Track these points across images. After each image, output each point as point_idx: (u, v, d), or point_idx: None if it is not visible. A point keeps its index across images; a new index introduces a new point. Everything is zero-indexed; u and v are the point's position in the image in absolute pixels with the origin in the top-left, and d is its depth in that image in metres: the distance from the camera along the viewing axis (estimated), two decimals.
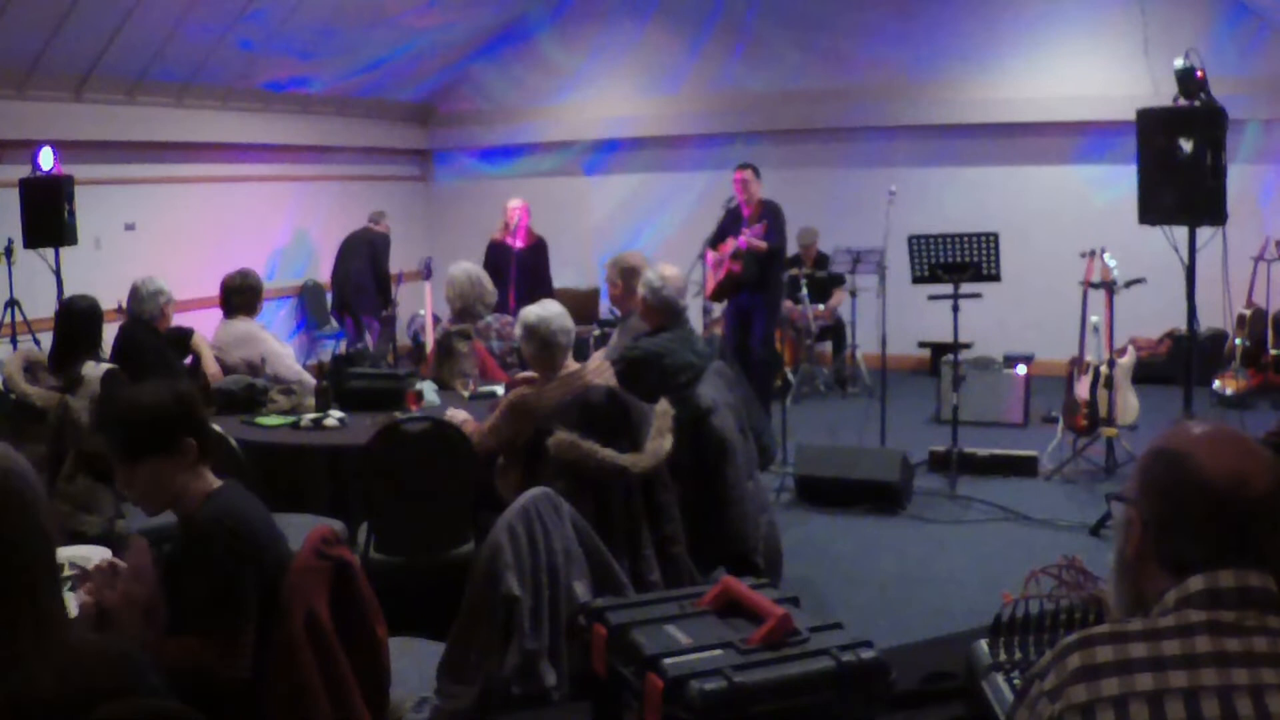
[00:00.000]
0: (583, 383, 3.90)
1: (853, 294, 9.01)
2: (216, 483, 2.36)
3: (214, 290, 5.64)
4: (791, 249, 9.29)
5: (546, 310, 4.00)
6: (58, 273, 6.93)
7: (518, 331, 4.08)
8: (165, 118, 8.55)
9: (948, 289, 6.34)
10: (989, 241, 6.34)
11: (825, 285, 9.48)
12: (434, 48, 10.53)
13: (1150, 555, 1.37)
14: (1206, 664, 1.25)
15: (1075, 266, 6.75)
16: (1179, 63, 5.04)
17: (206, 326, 5.70)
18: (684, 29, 10.75)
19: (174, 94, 8.58)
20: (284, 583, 2.22)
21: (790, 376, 8.86)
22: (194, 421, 2.32)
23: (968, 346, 8.33)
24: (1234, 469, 1.32)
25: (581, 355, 5.28)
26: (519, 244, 7.98)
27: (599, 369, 4.09)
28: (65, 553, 2.60)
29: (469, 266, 5.47)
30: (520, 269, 7.86)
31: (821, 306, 9.43)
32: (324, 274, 10.57)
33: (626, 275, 5.11)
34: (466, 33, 10.73)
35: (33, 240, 6.82)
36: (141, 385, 2.41)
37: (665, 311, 4.56)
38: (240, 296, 5.48)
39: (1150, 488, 1.38)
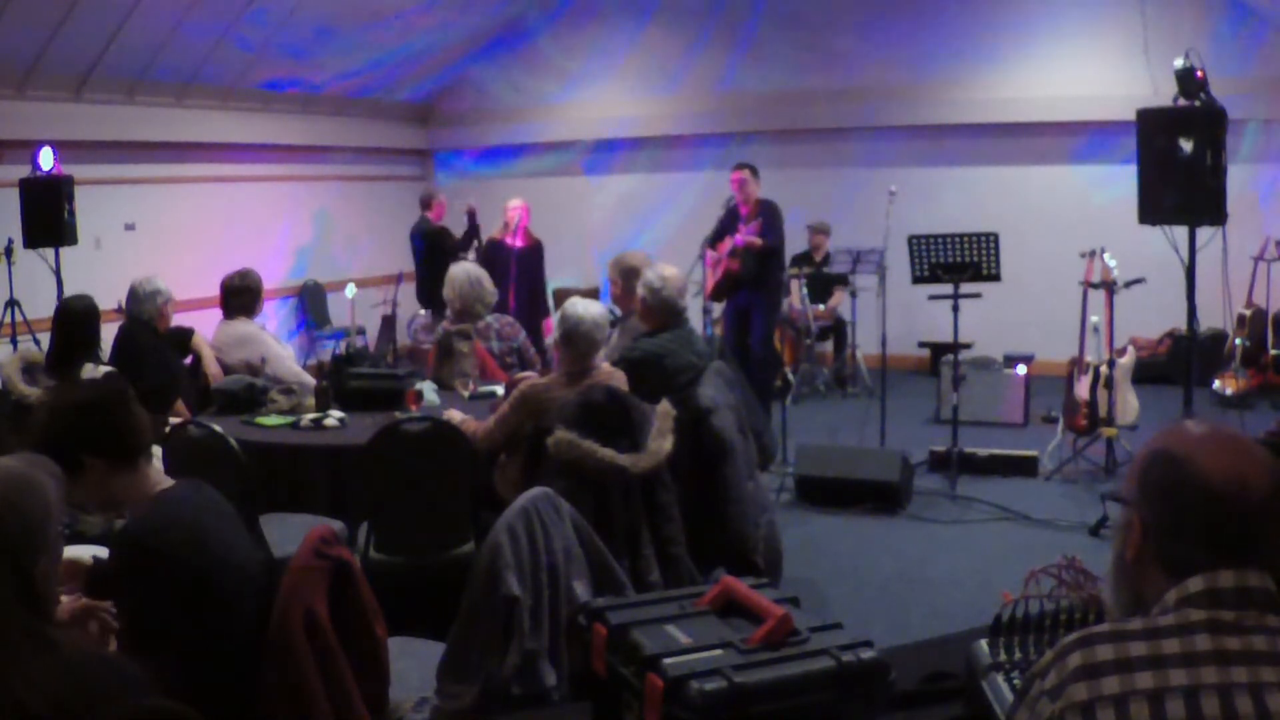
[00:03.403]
0: (591, 383, 3.90)
1: (853, 294, 9.02)
2: (163, 484, 2.24)
3: (214, 290, 5.63)
4: (800, 244, 9.31)
5: (589, 309, 4.01)
6: (58, 273, 6.93)
7: (555, 320, 4.08)
8: (165, 118, 8.55)
9: (948, 289, 6.34)
10: (989, 241, 6.33)
11: (825, 285, 9.49)
12: (434, 48, 10.53)
13: (1150, 558, 1.37)
14: (1206, 662, 1.25)
15: (1075, 266, 6.74)
16: (1179, 63, 5.04)
17: (207, 327, 5.70)
18: (684, 29, 10.75)
19: (174, 94, 8.58)
20: (231, 587, 2.14)
21: (790, 376, 8.86)
22: (91, 436, 2.17)
23: (968, 346, 8.33)
24: (1234, 471, 1.32)
25: None
26: (519, 244, 7.99)
27: (610, 373, 4.09)
28: (65, 552, 2.60)
29: (469, 266, 5.47)
30: (520, 269, 7.87)
31: (821, 306, 9.44)
32: (323, 274, 10.57)
33: (627, 275, 5.10)
34: (466, 33, 10.73)
35: (33, 240, 6.83)
36: (45, 402, 2.29)
37: (665, 312, 4.55)
38: (239, 298, 5.47)
39: (1150, 491, 1.38)
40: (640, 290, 4.61)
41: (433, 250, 8.40)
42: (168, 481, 2.27)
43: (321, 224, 10.59)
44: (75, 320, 4.79)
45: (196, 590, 2.09)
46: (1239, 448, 1.35)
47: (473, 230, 8.63)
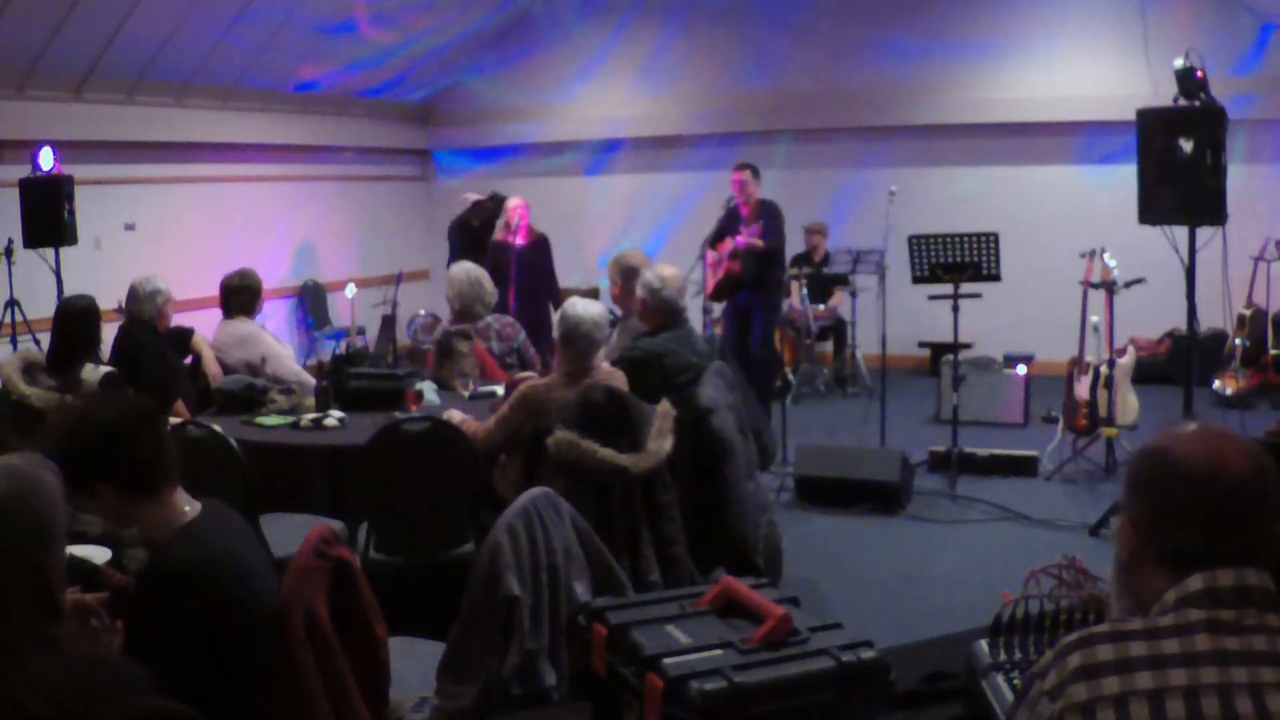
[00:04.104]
0: (591, 383, 3.90)
1: (853, 294, 9.02)
2: (189, 509, 2.17)
3: (214, 290, 5.63)
4: (800, 244, 9.31)
5: (588, 310, 4.01)
6: (58, 273, 6.93)
7: (555, 320, 4.07)
8: (165, 118, 8.54)
9: (948, 289, 6.33)
10: (989, 241, 6.33)
11: (825, 285, 9.48)
12: (434, 48, 10.53)
13: (1144, 555, 1.38)
14: (1206, 662, 1.25)
15: (1075, 266, 6.74)
16: (1179, 63, 5.05)
17: (206, 326, 5.70)
18: (684, 29, 10.75)
19: (174, 94, 8.57)
20: (255, 610, 2.12)
21: (790, 376, 8.86)
22: (108, 465, 2.08)
23: (968, 346, 8.33)
24: (1210, 454, 1.34)
25: None
26: (520, 242, 7.97)
27: (610, 373, 4.09)
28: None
29: (469, 266, 5.47)
30: (521, 268, 7.85)
31: (821, 306, 9.44)
32: (323, 274, 10.57)
33: (626, 275, 5.11)
34: (466, 33, 10.73)
35: (33, 240, 6.82)
36: (62, 417, 2.21)
37: (664, 312, 4.55)
38: (239, 297, 5.47)
39: (1134, 486, 1.41)
40: (640, 290, 4.62)
41: (465, 244, 8.27)
42: (191, 506, 2.18)
43: (321, 224, 10.58)
44: (75, 320, 4.79)
45: (225, 620, 2.07)
46: (1217, 435, 1.38)
47: (490, 201, 8.43)
